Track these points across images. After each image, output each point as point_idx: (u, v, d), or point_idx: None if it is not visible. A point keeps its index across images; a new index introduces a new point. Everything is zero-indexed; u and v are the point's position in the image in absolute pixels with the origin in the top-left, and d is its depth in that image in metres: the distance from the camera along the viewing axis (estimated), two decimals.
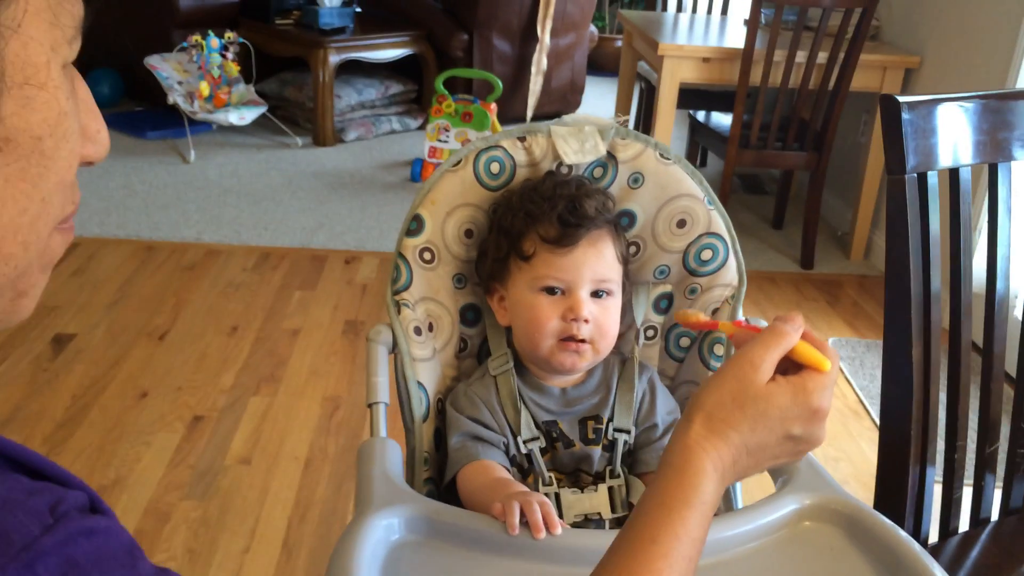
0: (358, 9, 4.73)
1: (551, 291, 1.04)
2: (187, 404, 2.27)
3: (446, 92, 3.91)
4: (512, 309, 1.08)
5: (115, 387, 2.31)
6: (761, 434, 0.62)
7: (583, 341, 1.03)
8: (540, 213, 1.04)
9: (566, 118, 1.12)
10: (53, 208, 0.46)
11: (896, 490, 1.16)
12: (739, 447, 0.62)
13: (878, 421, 2.31)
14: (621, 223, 1.13)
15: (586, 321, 1.03)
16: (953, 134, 1.11)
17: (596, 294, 1.05)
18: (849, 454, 2.25)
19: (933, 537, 1.21)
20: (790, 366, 0.65)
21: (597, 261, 1.04)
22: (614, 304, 1.07)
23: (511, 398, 1.07)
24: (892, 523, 0.88)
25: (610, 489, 1.04)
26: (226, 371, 2.43)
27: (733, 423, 0.62)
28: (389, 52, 4.56)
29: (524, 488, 0.96)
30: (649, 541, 0.58)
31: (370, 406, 1.03)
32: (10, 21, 0.41)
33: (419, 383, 1.07)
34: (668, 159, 1.13)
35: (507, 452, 1.06)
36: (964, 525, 1.24)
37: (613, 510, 1.04)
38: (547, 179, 1.10)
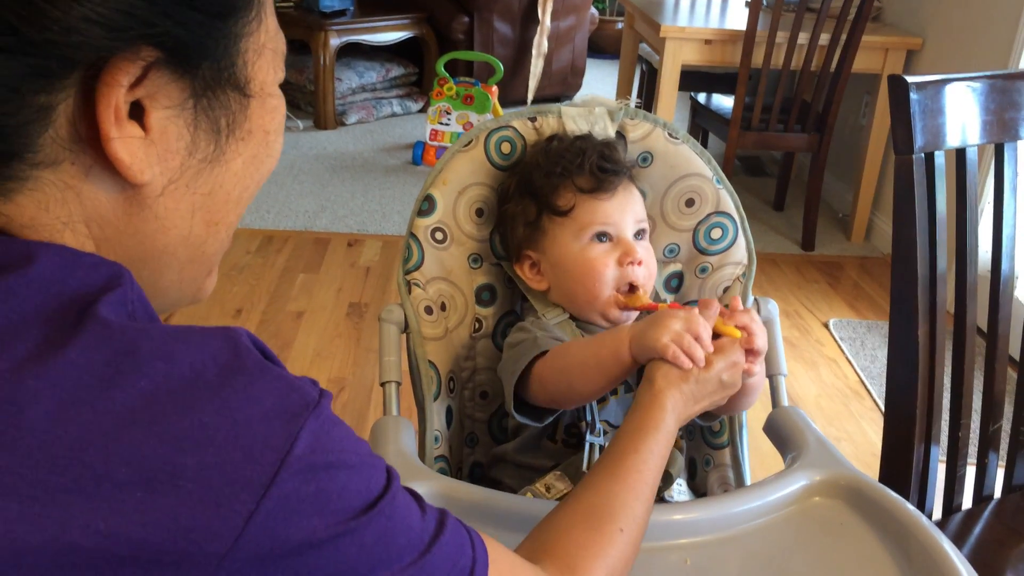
0: None
1: (601, 238, 1.04)
2: None
3: (447, 75, 3.90)
4: (557, 267, 1.07)
5: None
6: (703, 384, 0.85)
7: (654, 307, 1.01)
8: (573, 166, 1.04)
9: (576, 99, 1.12)
10: (255, 193, 0.59)
11: (901, 468, 1.17)
12: (688, 395, 0.84)
13: (879, 401, 2.35)
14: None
15: (640, 263, 1.03)
16: (960, 114, 1.11)
17: (636, 236, 1.05)
18: (851, 434, 2.26)
19: (937, 514, 1.23)
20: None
21: (635, 203, 1.06)
22: (651, 247, 1.08)
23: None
24: (900, 497, 0.89)
25: None
26: None
27: (685, 378, 0.84)
28: (390, 35, 4.54)
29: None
30: (632, 451, 0.79)
31: (383, 385, 1.04)
32: (257, 46, 0.54)
33: (430, 362, 1.08)
34: (677, 139, 1.14)
35: None
36: (967, 502, 1.25)
37: None
38: (556, 140, 1.09)
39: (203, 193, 0.55)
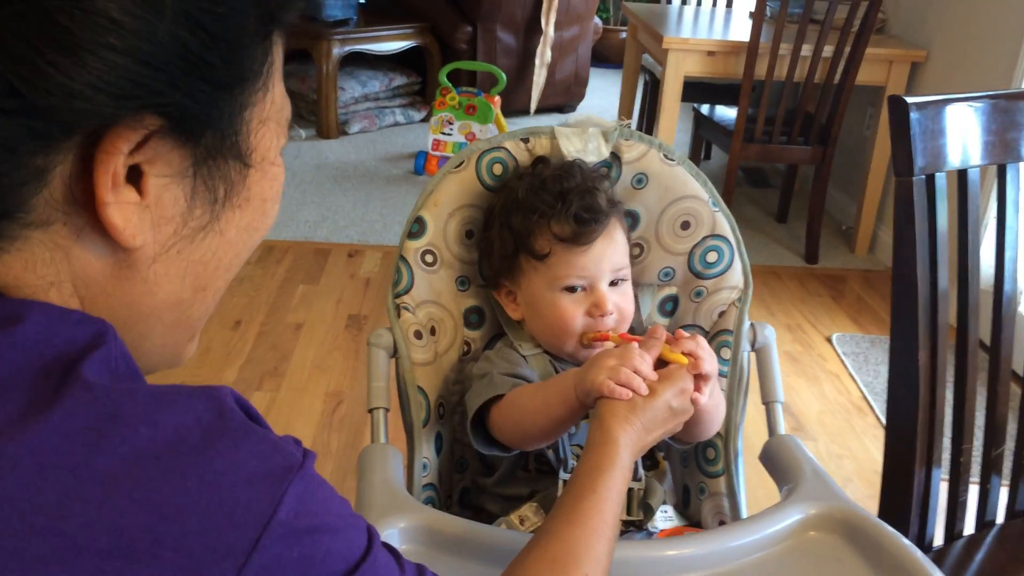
0: (362, 1, 4.71)
1: (571, 289, 1.02)
2: None
3: (450, 85, 3.89)
4: (528, 307, 1.06)
5: None
6: (652, 412, 0.85)
7: (606, 338, 1.01)
8: (552, 212, 1.02)
9: (570, 118, 1.11)
10: (247, 258, 0.59)
11: (901, 493, 1.15)
12: (639, 427, 0.84)
13: (882, 418, 2.32)
14: (627, 226, 1.12)
15: (611, 313, 1.02)
16: (962, 135, 1.09)
17: (612, 283, 1.04)
18: (853, 451, 2.24)
19: (938, 540, 1.20)
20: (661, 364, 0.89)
21: (614, 252, 1.04)
22: (629, 287, 1.06)
23: (546, 376, 1.05)
24: (897, 532, 0.87)
25: (629, 491, 1.02)
26: (229, 366, 2.42)
27: (632, 410, 0.84)
28: (393, 44, 4.54)
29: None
30: (591, 491, 0.79)
31: (371, 411, 1.03)
32: (262, 115, 0.54)
33: (419, 388, 1.06)
34: (672, 160, 1.12)
35: None
36: (969, 527, 1.23)
37: (629, 512, 1.02)
38: (545, 170, 1.07)
39: (194, 259, 0.54)
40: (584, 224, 1.01)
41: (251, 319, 2.67)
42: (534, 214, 1.03)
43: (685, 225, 1.14)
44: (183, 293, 0.55)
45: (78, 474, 0.43)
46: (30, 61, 0.43)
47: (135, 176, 0.48)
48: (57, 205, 0.47)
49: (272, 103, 0.55)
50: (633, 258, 1.13)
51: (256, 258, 3.06)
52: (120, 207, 0.48)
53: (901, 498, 1.15)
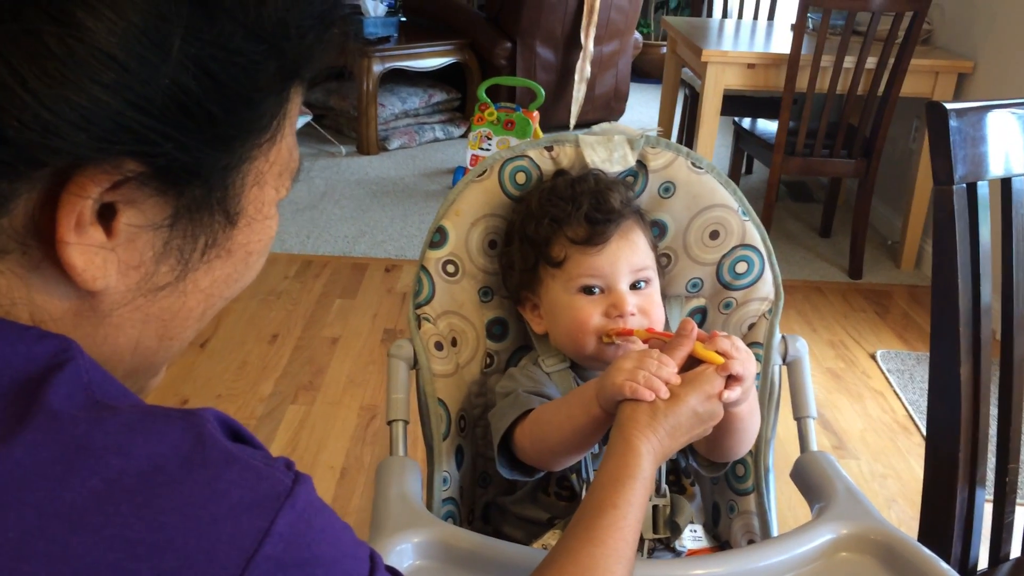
0: (403, 18, 4.75)
1: (589, 290, 1.00)
2: (226, 412, 2.26)
3: (488, 100, 3.89)
4: (549, 315, 1.04)
5: (156, 394, 2.29)
6: (675, 418, 0.80)
7: (630, 333, 0.98)
8: (564, 215, 1.00)
9: (595, 128, 1.09)
10: (221, 307, 0.55)
11: (943, 514, 1.11)
12: (662, 433, 0.80)
13: None
14: (652, 233, 1.10)
15: (632, 315, 0.98)
16: (1005, 142, 1.06)
17: (634, 286, 1.01)
18: (897, 471, 2.17)
19: (983, 564, 1.16)
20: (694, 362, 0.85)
21: (632, 253, 1.01)
22: (654, 292, 1.03)
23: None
24: (934, 555, 0.83)
25: (655, 508, 1.00)
26: (265, 379, 2.43)
27: (653, 415, 0.80)
28: (433, 61, 4.56)
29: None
30: (611, 506, 0.75)
31: (390, 424, 1.01)
32: (263, 169, 0.50)
33: (440, 400, 1.05)
34: (700, 168, 1.10)
35: None
36: (1016, 551, 1.18)
37: (655, 530, 1.00)
38: (559, 179, 1.06)
39: (163, 308, 0.50)
40: (596, 224, 0.99)
41: (288, 333, 2.68)
42: (547, 219, 1.01)
43: (714, 235, 1.11)
44: (147, 341, 0.51)
45: (42, 510, 0.40)
46: (7, 86, 0.40)
47: (108, 212, 0.45)
48: (16, 235, 0.44)
49: (278, 155, 0.51)
50: (660, 269, 1.10)
51: (294, 272, 3.08)
52: (83, 248, 0.44)
53: (943, 519, 1.11)
